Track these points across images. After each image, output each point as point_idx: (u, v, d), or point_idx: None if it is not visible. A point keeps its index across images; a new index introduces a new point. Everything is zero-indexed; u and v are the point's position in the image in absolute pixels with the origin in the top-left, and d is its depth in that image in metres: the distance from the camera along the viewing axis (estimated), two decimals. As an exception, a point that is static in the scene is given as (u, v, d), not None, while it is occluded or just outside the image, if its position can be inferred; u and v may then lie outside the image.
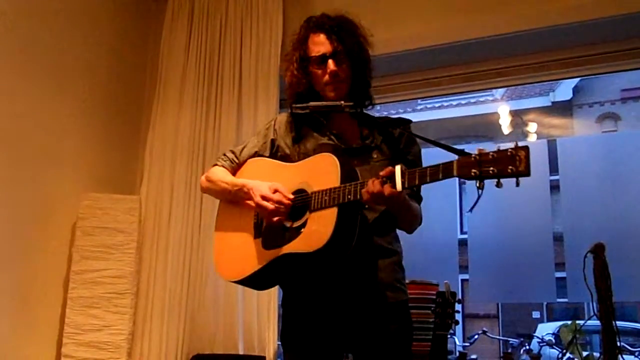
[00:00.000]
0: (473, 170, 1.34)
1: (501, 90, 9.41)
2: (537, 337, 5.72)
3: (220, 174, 1.91)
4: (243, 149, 1.96)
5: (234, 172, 1.93)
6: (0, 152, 2.51)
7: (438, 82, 2.94)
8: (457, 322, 1.96)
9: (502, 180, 1.32)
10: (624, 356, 2.05)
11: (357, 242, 1.59)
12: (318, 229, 1.60)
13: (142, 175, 3.05)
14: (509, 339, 6.35)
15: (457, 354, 4.63)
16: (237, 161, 1.94)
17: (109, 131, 3.11)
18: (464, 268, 3.62)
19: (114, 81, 3.16)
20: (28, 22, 2.67)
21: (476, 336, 5.35)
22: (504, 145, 1.34)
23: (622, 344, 2.11)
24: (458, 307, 2.01)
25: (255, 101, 2.92)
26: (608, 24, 2.47)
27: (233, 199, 1.87)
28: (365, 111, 1.86)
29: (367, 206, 1.62)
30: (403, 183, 1.47)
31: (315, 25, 1.84)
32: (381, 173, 1.51)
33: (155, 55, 3.25)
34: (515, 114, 9.12)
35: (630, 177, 3.25)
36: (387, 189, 1.49)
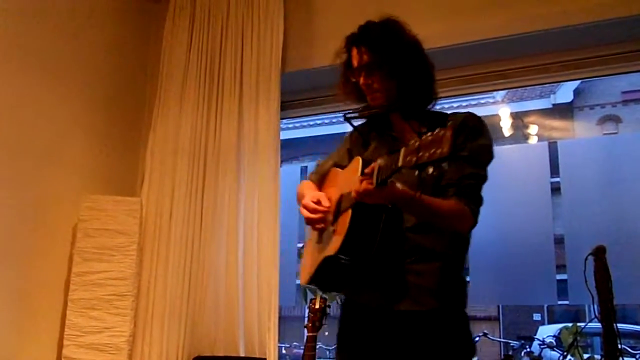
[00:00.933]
0: (410, 158, 1.27)
1: (502, 93, 9.38)
2: (538, 340, 5.73)
3: (303, 187, 2.01)
4: (326, 161, 2.04)
5: (320, 183, 2.01)
6: (1, 153, 2.51)
7: (439, 84, 2.92)
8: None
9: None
10: (625, 359, 2.05)
11: (386, 244, 1.58)
12: (340, 229, 1.64)
13: (143, 177, 3.05)
14: (510, 341, 6.36)
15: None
16: (321, 173, 2.03)
17: (110, 132, 3.11)
18: (464, 270, 3.62)
19: (115, 82, 3.17)
20: (29, 23, 2.67)
21: (477, 338, 5.35)
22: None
23: (623, 346, 2.11)
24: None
25: (256, 102, 2.93)
26: (609, 26, 2.47)
27: None
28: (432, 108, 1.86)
29: (389, 205, 1.60)
30: (377, 178, 1.45)
31: (350, 39, 1.86)
32: (365, 170, 1.51)
33: (156, 56, 3.25)
34: (516, 116, 9.11)
35: (631, 179, 3.25)
36: (363, 185, 1.48)
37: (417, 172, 1.26)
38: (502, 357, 7.35)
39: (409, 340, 1.66)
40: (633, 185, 3.23)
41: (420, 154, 1.24)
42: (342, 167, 1.93)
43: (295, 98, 3.19)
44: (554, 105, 10.41)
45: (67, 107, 2.87)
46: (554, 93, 10.28)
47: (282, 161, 2.90)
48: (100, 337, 2.64)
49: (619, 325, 1.98)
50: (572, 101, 10.56)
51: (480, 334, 5.41)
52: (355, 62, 1.83)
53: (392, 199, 1.54)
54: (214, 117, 3.00)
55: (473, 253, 3.54)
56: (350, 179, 1.69)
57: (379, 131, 1.90)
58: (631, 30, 2.50)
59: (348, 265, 1.67)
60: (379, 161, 1.46)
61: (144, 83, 3.34)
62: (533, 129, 9.61)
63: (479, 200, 1.70)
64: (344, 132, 2.07)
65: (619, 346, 1.97)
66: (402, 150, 1.32)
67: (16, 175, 2.58)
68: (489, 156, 1.73)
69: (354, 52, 1.83)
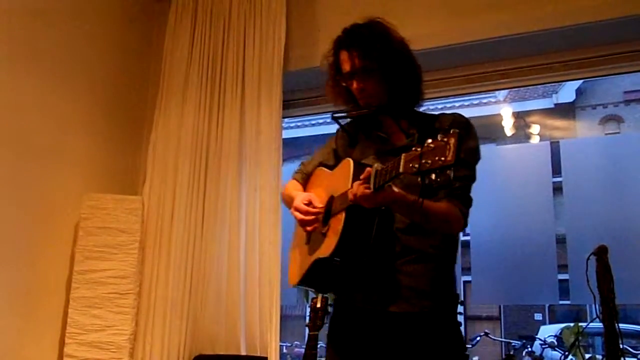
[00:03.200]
0: (412, 165, 1.30)
1: (504, 92, 9.37)
2: (539, 339, 5.72)
3: (289, 187, 2.03)
4: (311, 160, 2.05)
5: (305, 183, 2.03)
6: (3, 151, 2.52)
7: (440, 83, 2.93)
8: (459, 324, 1.96)
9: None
10: (627, 359, 2.05)
11: (380, 246, 1.60)
12: (333, 232, 1.65)
13: (145, 176, 3.05)
14: (511, 341, 6.35)
15: (459, 355, 4.62)
16: (306, 172, 2.04)
17: (112, 131, 3.11)
18: (466, 270, 3.62)
19: (117, 81, 3.17)
20: (32, 21, 2.67)
21: (478, 338, 5.35)
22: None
23: (625, 346, 2.11)
24: (460, 309, 2.01)
25: (258, 101, 2.93)
26: (611, 25, 2.47)
27: None
28: (419, 109, 1.88)
29: (382, 208, 1.61)
30: (375, 183, 1.47)
31: (339, 43, 1.85)
32: (362, 176, 1.52)
33: (158, 55, 3.25)
34: (518, 116, 9.10)
35: (633, 179, 3.24)
36: (360, 189, 1.49)
37: (419, 179, 1.28)
38: (504, 356, 7.34)
39: (403, 341, 1.67)
40: (635, 185, 3.22)
41: (423, 161, 1.26)
42: (328, 167, 1.94)
43: (298, 97, 3.19)
44: (556, 104, 10.39)
45: (70, 106, 2.87)
46: (556, 93, 10.26)
47: (284, 160, 2.90)
48: (102, 336, 2.64)
49: (621, 325, 1.97)
50: (574, 101, 10.54)
51: (482, 334, 5.41)
52: (347, 67, 1.80)
53: (389, 202, 1.55)
54: (215, 116, 3.00)
55: (475, 253, 3.58)
56: (340, 180, 1.70)
57: (366, 131, 1.90)
58: (633, 30, 2.49)
59: (340, 267, 1.69)
60: (376, 165, 1.48)
61: (146, 82, 3.34)
62: (535, 129, 9.60)
63: (469, 202, 1.72)
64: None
65: (621, 346, 1.97)
66: (403, 156, 1.34)
67: (18, 174, 2.59)
68: (477, 157, 1.74)
69: (345, 55, 1.81)
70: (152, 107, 3.19)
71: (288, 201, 1.98)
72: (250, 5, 3.05)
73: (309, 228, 1.79)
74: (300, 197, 1.83)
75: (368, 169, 1.51)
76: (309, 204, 1.79)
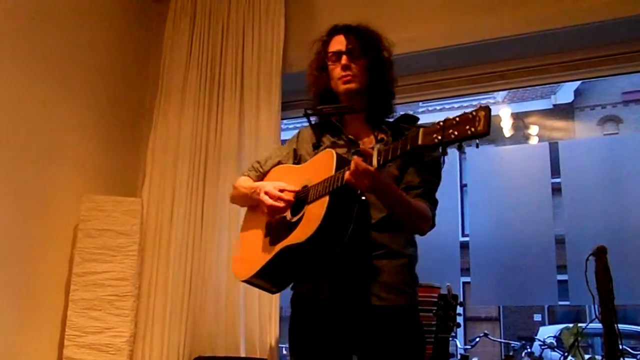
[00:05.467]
0: (435, 136, 1.32)
1: (503, 93, 9.40)
2: (539, 340, 5.73)
3: (243, 182, 2.00)
4: (268, 159, 2.04)
5: (259, 180, 2.00)
6: (3, 153, 2.52)
7: (439, 84, 2.94)
8: (458, 325, 1.96)
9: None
10: (626, 359, 2.05)
11: (354, 237, 1.60)
12: (311, 217, 1.64)
13: (144, 177, 3.05)
14: (511, 342, 6.35)
15: (459, 356, 4.63)
16: (261, 170, 2.02)
17: (111, 133, 3.11)
18: (465, 271, 3.62)
19: (116, 82, 3.17)
20: (31, 23, 2.67)
21: (477, 339, 5.34)
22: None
23: (624, 347, 2.10)
24: (459, 309, 2.01)
25: (257, 102, 2.93)
26: (610, 26, 2.47)
27: (251, 203, 1.95)
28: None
29: (363, 197, 1.64)
30: (378, 160, 1.48)
31: (336, 29, 1.93)
32: (361, 148, 1.57)
33: (157, 57, 3.25)
34: (517, 117, 9.12)
35: (632, 179, 3.25)
36: (362, 165, 1.49)
37: (440, 150, 1.32)
38: (503, 357, 7.34)
39: (377, 335, 1.69)
40: (634, 186, 3.23)
41: (450, 131, 1.29)
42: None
43: (297, 98, 3.18)
44: (554, 105, 10.42)
45: (69, 107, 2.87)
46: (555, 93, 10.29)
47: (283, 161, 2.89)
48: (101, 338, 2.63)
49: (620, 326, 1.98)
50: (572, 101, 10.57)
51: (481, 335, 5.40)
52: (339, 47, 1.87)
53: (385, 185, 1.57)
54: (214, 118, 3.00)
55: (474, 254, 3.58)
56: (318, 170, 1.69)
57: (332, 132, 1.92)
58: (631, 31, 2.50)
59: (311, 257, 1.68)
60: (378, 146, 1.50)
61: (145, 83, 3.34)
62: (534, 130, 9.63)
63: (436, 204, 1.80)
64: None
65: (620, 347, 1.97)
66: (421, 130, 1.37)
67: (17, 175, 2.58)
68: (443, 162, 1.78)
69: (340, 38, 1.89)
70: (151, 109, 3.19)
71: (245, 194, 1.94)
72: (249, 6, 3.05)
73: (277, 216, 1.76)
74: (271, 184, 1.81)
75: (368, 149, 1.53)
76: (282, 191, 1.77)
